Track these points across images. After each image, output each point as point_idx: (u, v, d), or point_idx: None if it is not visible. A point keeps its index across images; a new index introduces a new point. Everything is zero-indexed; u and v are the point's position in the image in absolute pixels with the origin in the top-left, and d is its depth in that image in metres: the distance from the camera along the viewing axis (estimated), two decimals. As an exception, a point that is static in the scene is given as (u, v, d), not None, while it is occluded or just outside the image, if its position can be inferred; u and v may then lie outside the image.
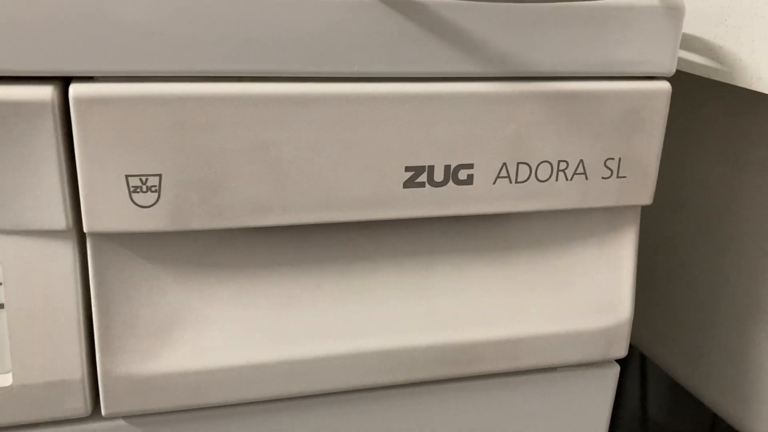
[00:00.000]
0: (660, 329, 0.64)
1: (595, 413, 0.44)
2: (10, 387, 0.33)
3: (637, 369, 0.85)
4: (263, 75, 0.32)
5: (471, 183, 0.36)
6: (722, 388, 0.57)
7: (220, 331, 0.36)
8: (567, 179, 0.38)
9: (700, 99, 0.56)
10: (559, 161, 0.37)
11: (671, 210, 0.61)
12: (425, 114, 0.34)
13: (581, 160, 0.37)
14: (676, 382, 0.67)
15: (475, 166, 0.36)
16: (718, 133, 0.55)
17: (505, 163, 0.36)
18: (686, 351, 0.61)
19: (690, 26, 0.45)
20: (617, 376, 0.43)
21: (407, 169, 0.35)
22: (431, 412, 0.41)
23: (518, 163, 0.37)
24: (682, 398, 0.81)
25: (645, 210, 0.60)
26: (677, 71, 0.40)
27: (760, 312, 0.53)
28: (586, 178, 0.38)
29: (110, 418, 0.36)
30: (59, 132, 0.31)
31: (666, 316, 0.63)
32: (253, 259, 0.36)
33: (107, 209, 0.32)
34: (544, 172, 0.37)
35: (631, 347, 0.72)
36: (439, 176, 0.36)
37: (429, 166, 0.35)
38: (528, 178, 0.37)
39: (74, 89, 0.30)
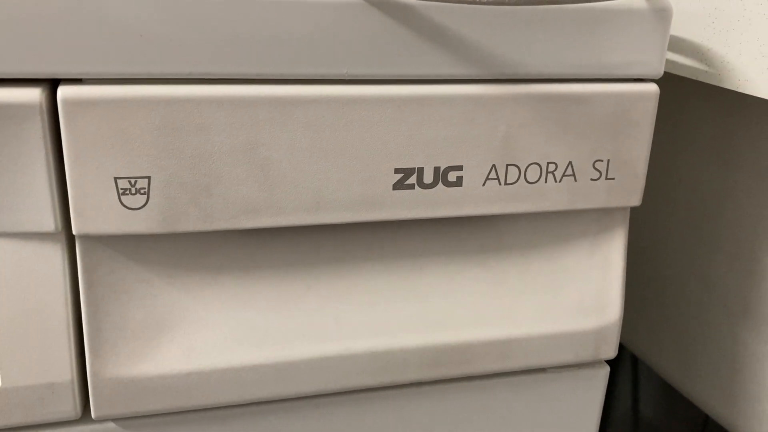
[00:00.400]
0: (651, 331, 0.64)
1: (586, 414, 0.44)
2: (-1, 390, 0.33)
3: (628, 370, 0.86)
4: (252, 77, 0.33)
5: (460, 185, 0.36)
6: (714, 389, 0.58)
7: (210, 333, 0.36)
8: (556, 181, 0.38)
9: (689, 101, 0.57)
10: (548, 163, 0.37)
11: (662, 211, 0.61)
12: (415, 116, 0.34)
13: (570, 162, 0.37)
14: (667, 383, 0.67)
15: (464, 168, 0.36)
16: (707, 134, 0.55)
17: (494, 165, 0.36)
18: (678, 352, 0.61)
19: (678, 28, 0.45)
20: (607, 376, 0.43)
21: (397, 171, 0.35)
22: (422, 413, 0.41)
23: (507, 165, 0.37)
24: (674, 399, 0.82)
25: (635, 211, 0.61)
26: (666, 73, 0.40)
27: (751, 313, 0.53)
28: (575, 180, 0.38)
29: (100, 420, 0.36)
30: (48, 134, 0.31)
31: (657, 318, 0.63)
32: (243, 261, 0.36)
33: (96, 211, 0.32)
34: (533, 173, 0.37)
35: (623, 349, 0.72)
36: (428, 178, 0.36)
37: (418, 168, 0.35)
38: (517, 180, 0.37)
39: (62, 91, 0.30)
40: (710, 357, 0.57)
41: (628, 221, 0.41)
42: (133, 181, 0.32)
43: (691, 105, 0.56)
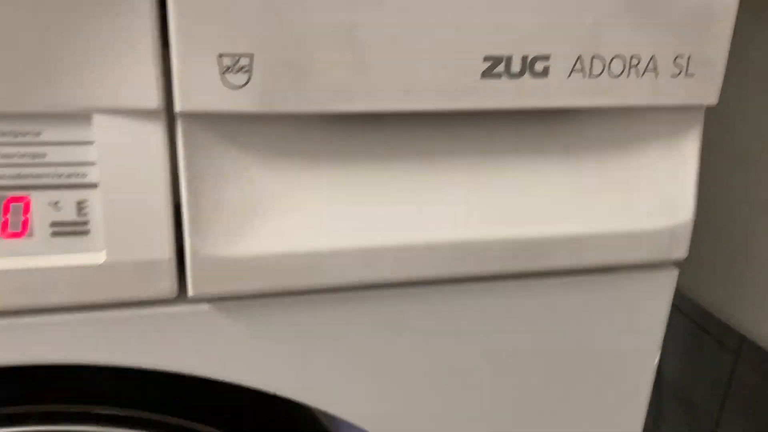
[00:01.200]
0: (690, 258, 0.65)
1: (655, 314, 0.45)
2: (103, 264, 0.34)
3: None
4: (351, -42, 0.33)
5: (546, 75, 0.37)
6: (754, 310, 0.58)
7: (301, 217, 0.36)
8: (638, 76, 0.38)
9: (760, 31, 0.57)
10: (632, 57, 0.38)
11: (709, 140, 0.61)
12: (505, 1, 0.35)
13: (653, 56, 0.38)
14: (694, 327, 0.68)
15: (551, 58, 0.36)
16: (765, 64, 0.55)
17: (580, 56, 0.37)
18: (718, 276, 0.62)
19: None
20: (676, 279, 0.44)
21: (486, 59, 0.36)
22: (496, 308, 0.42)
23: (593, 57, 0.37)
24: (709, 324, 0.82)
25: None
26: None
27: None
28: (656, 76, 0.38)
29: (195, 301, 0.36)
30: (155, 8, 0.31)
31: (697, 245, 0.64)
32: (334, 150, 0.37)
33: (199, 88, 0.33)
34: (617, 67, 0.38)
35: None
36: (516, 67, 0.36)
37: (507, 57, 0.36)
38: (601, 73, 0.37)
39: (171, -35, 0.31)
40: (752, 281, 0.58)
41: (702, 121, 0.41)
42: (236, 58, 0.33)
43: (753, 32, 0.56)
